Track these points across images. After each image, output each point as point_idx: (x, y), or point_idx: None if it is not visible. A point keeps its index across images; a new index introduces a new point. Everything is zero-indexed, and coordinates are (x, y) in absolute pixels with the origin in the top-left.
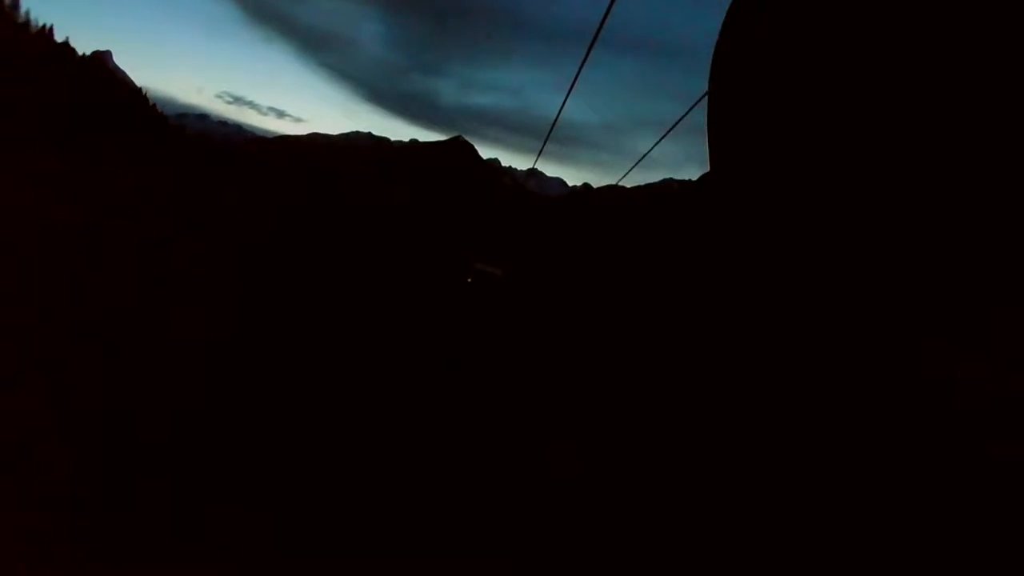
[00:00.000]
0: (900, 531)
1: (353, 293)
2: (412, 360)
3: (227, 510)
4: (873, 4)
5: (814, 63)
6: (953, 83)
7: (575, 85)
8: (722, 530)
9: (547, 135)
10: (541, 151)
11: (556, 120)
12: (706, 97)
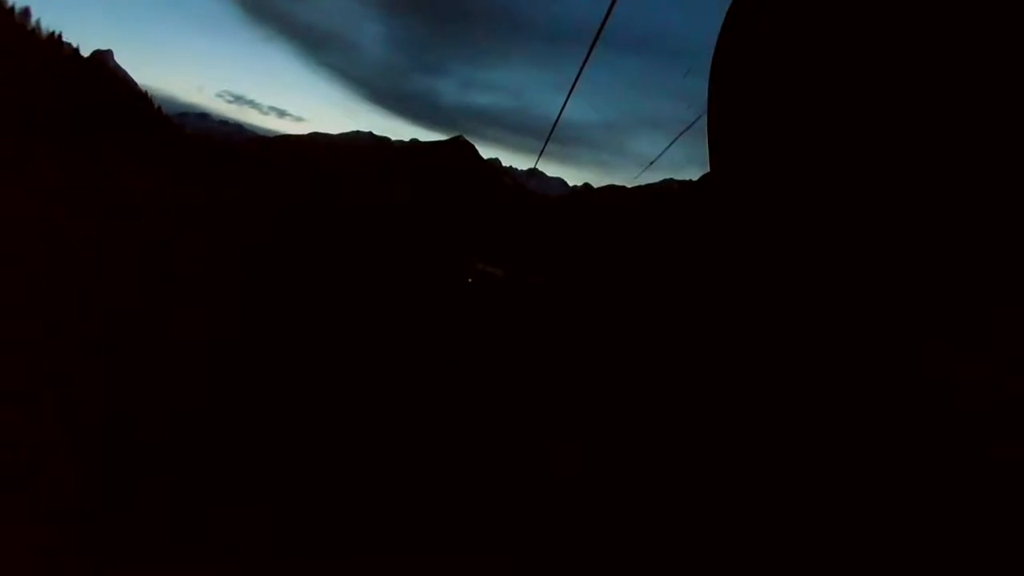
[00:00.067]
0: (900, 531)
1: (354, 293)
2: (412, 359)
3: (227, 509)
4: (875, 4)
5: (815, 63)
6: (953, 82)
7: (576, 85)
8: (722, 530)
9: (548, 135)
10: (542, 151)
11: (557, 120)
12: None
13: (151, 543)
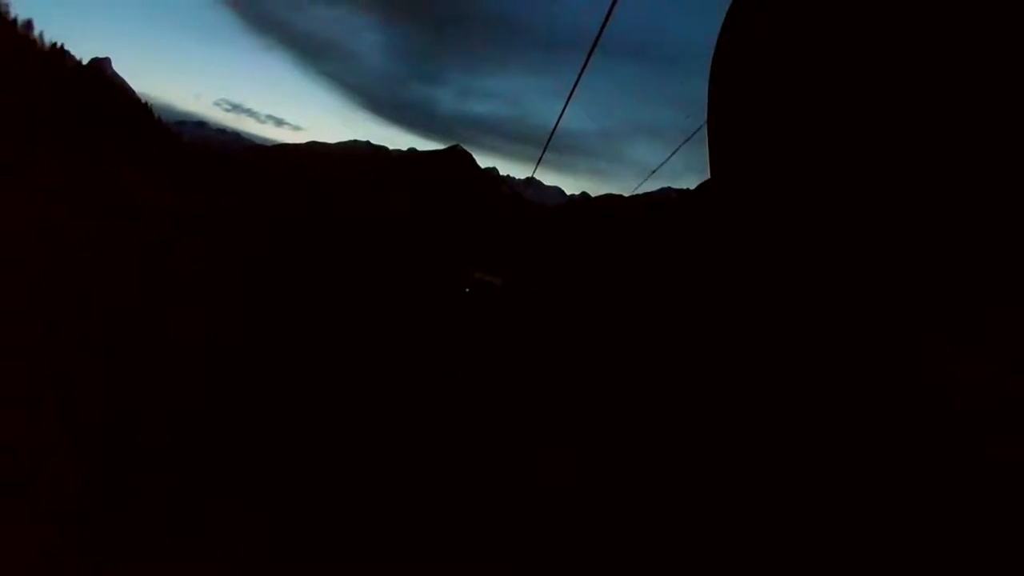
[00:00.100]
0: (900, 531)
1: (351, 302)
2: (410, 367)
3: (227, 510)
4: (876, 5)
5: (817, 64)
6: (954, 82)
7: (574, 93)
8: (721, 534)
9: (545, 144)
10: (540, 160)
11: (554, 130)
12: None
13: (151, 543)
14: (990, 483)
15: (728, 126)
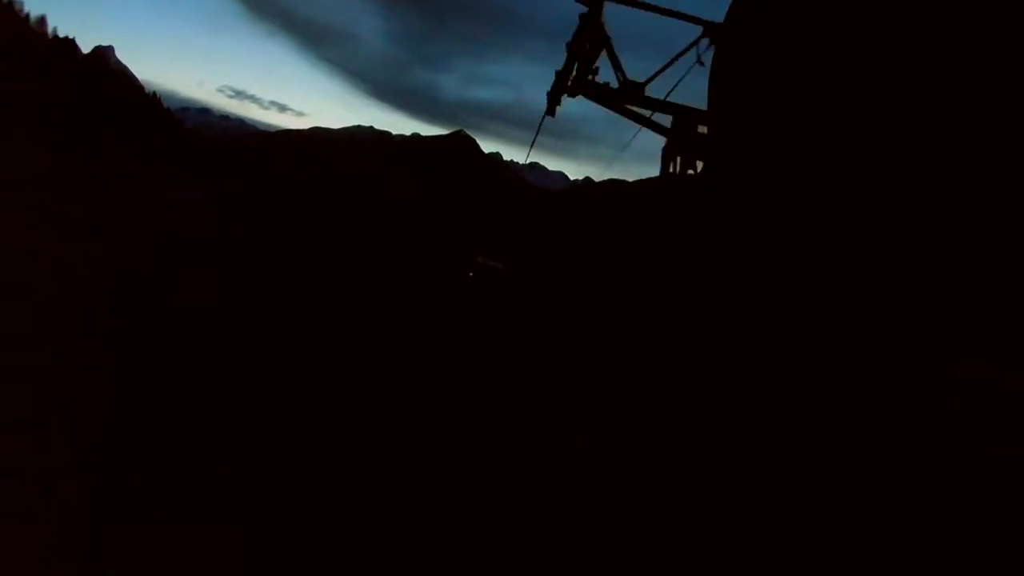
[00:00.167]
0: (900, 531)
1: (355, 285)
2: (413, 349)
3: (233, 478)
4: (875, 5)
5: (816, 63)
6: (953, 82)
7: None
8: (723, 529)
9: (537, 129)
10: (533, 144)
11: (544, 117)
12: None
13: (158, 507)
14: (990, 483)
15: (729, 119)
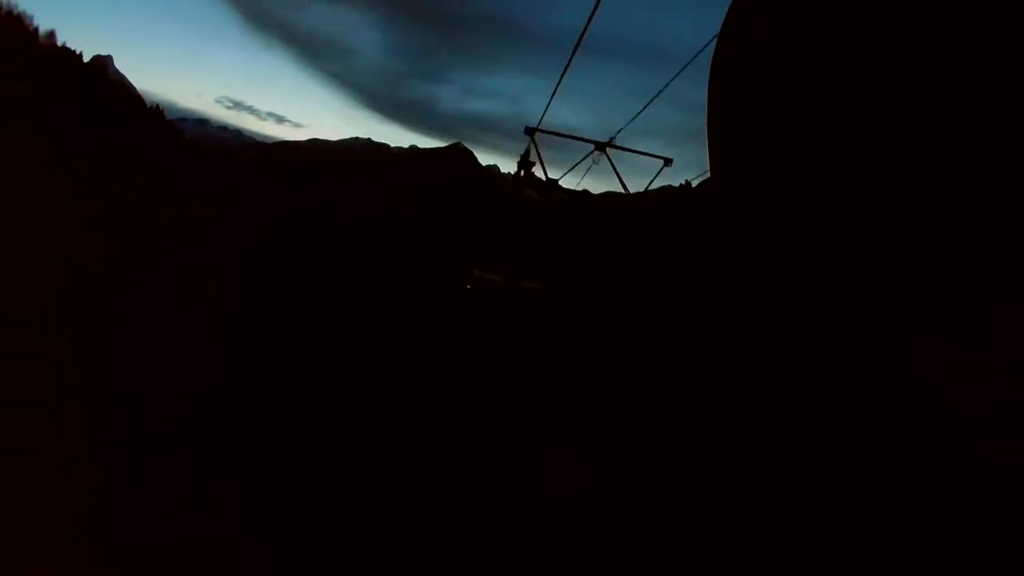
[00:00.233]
0: (900, 531)
1: (353, 297)
2: (409, 359)
3: (236, 489)
4: (875, 5)
5: (816, 63)
6: (953, 81)
7: (558, 89)
8: (721, 535)
9: (533, 134)
10: (527, 151)
11: (539, 121)
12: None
13: (164, 520)
14: (990, 483)
15: (728, 124)
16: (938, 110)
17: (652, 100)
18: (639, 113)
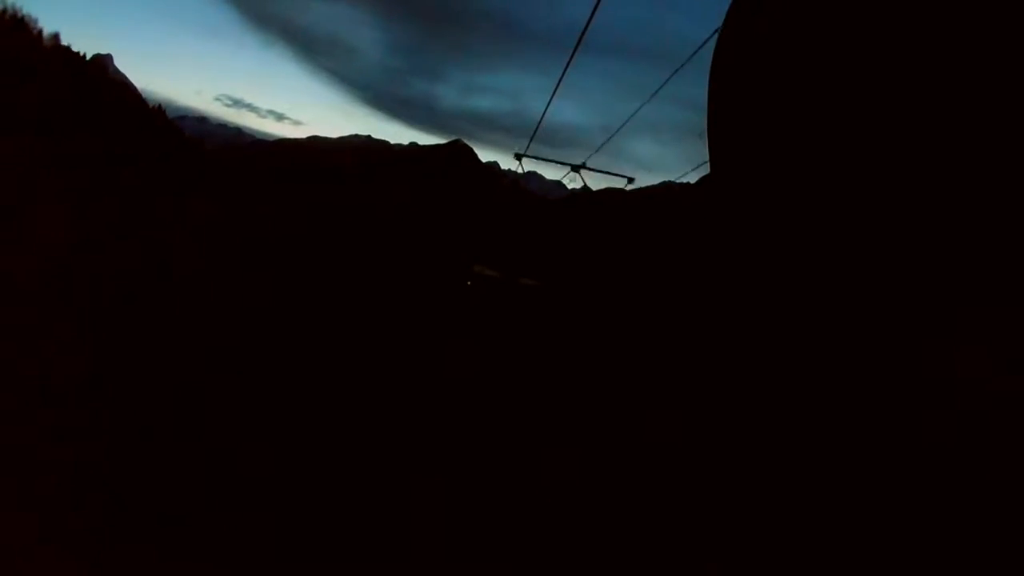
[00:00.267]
0: (900, 531)
1: (354, 293)
2: (408, 358)
3: (228, 513)
4: (875, 4)
5: (817, 61)
6: (954, 81)
7: (560, 86)
8: (720, 533)
9: (532, 134)
10: (527, 148)
11: (541, 119)
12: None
13: (156, 545)
14: (990, 484)
15: (728, 121)
16: (938, 109)
17: (649, 99)
18: (636, 112)
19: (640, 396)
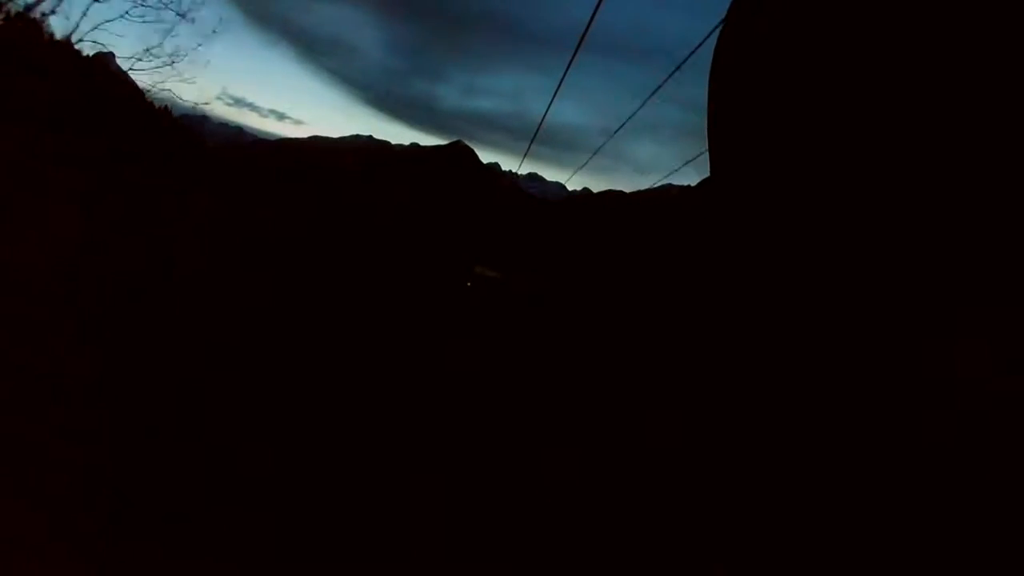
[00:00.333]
0: (900, 532)
1: (354, 294)
2: (407, 359)
3: (229, 510)
4: (878, 3)
5: (818, 61)
6: (954, 81)
7: (561, 87)
8: (722, 532)
9: (533, 136)
10: (527, 152)
11: (542, 121)
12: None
13: (157, 543)
14: (990, 484)
15: (729, 123)
16: (938, 109)
17: (647, 100)
18: (634, 113)
19: (640, 396)
